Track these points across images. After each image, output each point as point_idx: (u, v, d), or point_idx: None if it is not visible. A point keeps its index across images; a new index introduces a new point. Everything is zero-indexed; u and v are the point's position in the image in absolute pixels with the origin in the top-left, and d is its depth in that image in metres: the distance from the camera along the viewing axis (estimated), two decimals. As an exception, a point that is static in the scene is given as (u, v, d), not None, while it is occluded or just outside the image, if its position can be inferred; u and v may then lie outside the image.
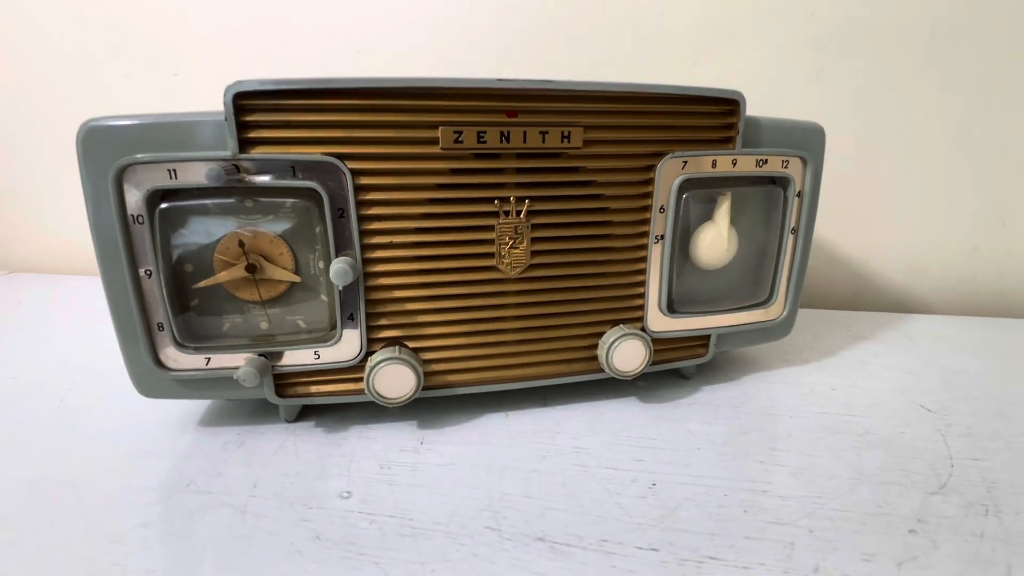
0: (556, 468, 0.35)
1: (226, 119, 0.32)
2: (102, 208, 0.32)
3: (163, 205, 0.33)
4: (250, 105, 0.32)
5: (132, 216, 0.33)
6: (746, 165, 0.40)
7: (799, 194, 0.43)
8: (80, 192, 0.32)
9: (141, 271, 0.34)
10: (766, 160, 0.41)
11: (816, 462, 0.36)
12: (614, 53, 0.68)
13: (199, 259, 0.35)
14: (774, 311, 0.45)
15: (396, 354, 0.36)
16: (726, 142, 0.40)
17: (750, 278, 0.44)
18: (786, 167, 0.41)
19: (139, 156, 0.32)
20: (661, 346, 0.43)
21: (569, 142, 0.36)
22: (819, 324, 0.61)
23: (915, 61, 0.63)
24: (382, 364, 0.36)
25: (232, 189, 0.33)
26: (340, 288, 0.35)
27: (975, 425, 0.40)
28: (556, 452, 0.37)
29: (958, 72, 0.63)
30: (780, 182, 0.42)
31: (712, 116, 0.39)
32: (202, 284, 0.35)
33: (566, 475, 0.34)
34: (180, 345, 0.35)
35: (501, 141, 0.35)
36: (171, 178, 0.33)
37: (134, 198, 0.33)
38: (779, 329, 0.46)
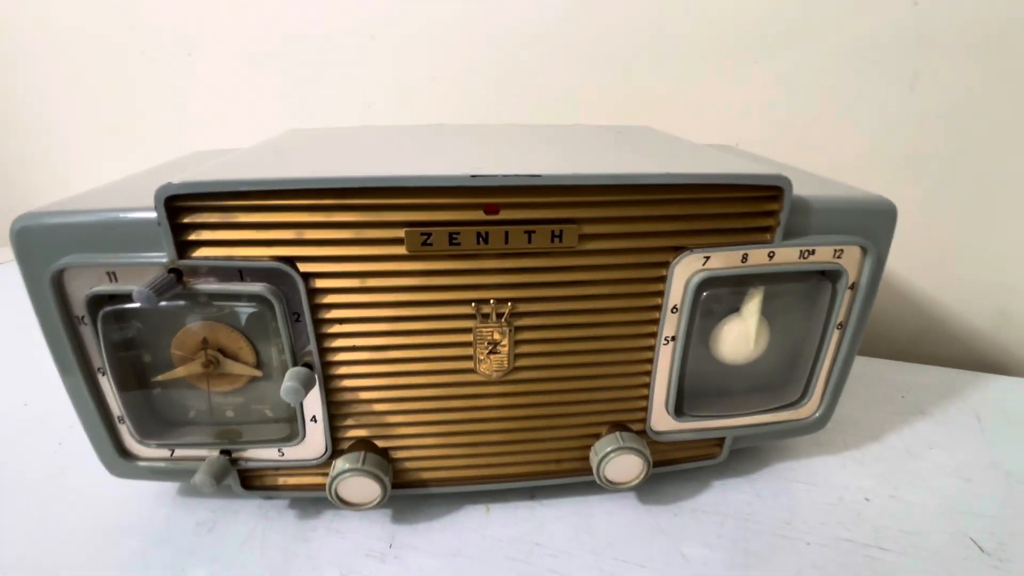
0: (523, 603, 0.32)
1: (159, 224, 0.28)
2: (44, 308, 0.30)
3: (106, 308, 0.30)
4: (186, 207, 0.28)
5: (76, 317, 0.31)
6: (787, 257, 0.33)
7: (852, 286, 0.35)
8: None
9: (95, 366, 0.32)
10: (813, 251, 0.33)
11: (823, 626, 0.31)
12: (667, 40, 0.58)
13: (156, 349, 0.33)
14: (806, 411, 0.39)
15: (359, 464, 0.33)
16: (763, 231, 0.32)
17: (781, 376, 0.38)
18: (839, 257, 0.34)
19: (74, 259, 0.29)
20: (666, 447, 0.38)
21: (561, 242, 0.30)
22: (869, 385, 0.53)
23: (1045, 68, 0.50)
24: (344, 475, 0.33)
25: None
26: (294, 405, 0.32)
27: (1034, 581, 0.34)
28: (529, 572, 0.34)
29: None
30: (830, 274, 0.35)
31: (745, 202, 0.31)
32: (160, 378, 0.33)
33: (532, 615, 0.31)
34: (140, 440, 0.34)
35: (478, 243, 0.30)
36: (111, 281, 0.30)
37: (76, 299, 0.30)
38: (811, 427, 0.40)
